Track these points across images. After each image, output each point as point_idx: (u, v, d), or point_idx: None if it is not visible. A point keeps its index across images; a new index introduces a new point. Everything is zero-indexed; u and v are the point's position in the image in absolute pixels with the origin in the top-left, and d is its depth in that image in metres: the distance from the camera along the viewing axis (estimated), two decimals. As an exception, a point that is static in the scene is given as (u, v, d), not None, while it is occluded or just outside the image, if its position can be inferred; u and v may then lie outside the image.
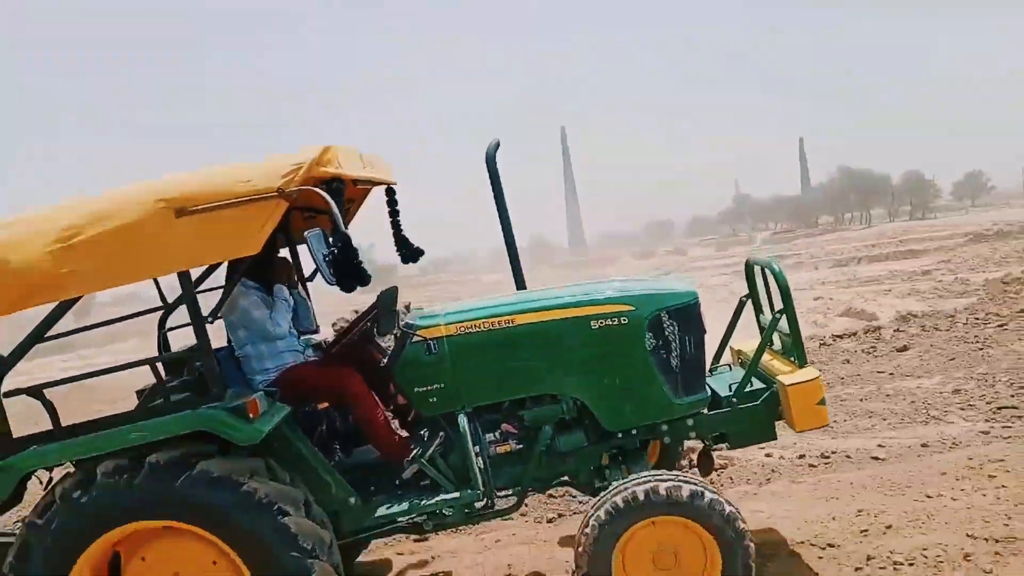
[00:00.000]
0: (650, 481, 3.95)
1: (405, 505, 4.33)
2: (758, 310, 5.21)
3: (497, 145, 5.13)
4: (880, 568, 4.54)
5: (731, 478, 6.46)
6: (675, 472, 4.14)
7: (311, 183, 3.63)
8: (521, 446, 4.55)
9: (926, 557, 4.55)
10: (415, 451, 4.36)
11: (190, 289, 3.80)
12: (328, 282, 3.61)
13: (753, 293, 5.19)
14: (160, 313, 4.70)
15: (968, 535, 4.72)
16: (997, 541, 4.61)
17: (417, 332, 4.37)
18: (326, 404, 4.70)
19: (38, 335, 3.79)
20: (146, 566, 3.86)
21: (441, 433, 4.48)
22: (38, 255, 3.58)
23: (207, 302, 4.51)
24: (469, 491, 4.29)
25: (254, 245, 3.62)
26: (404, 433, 4.52)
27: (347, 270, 3.57)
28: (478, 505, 4.48)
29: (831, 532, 5.03)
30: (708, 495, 3.91)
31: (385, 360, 4.59)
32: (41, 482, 4.04)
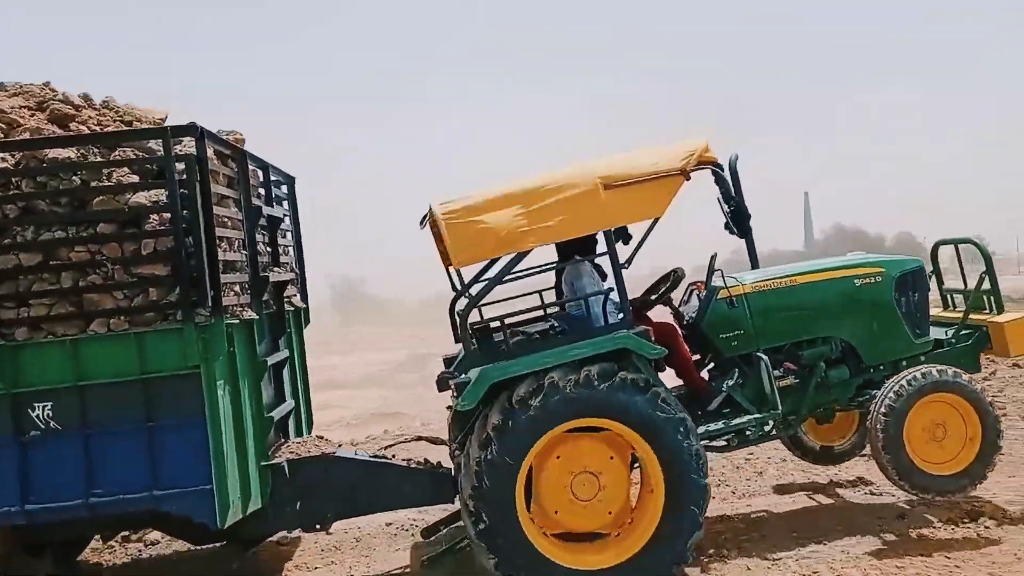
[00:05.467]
0: (922, 369, 5.52)
1: (721, 424, 5.70)
2: (940, 282, 6.70)
3: (737, 157, 6.46)
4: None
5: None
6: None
7: (701, 165, 5.19)
8: (797, 380, 5.95)
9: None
10: (725, 383, 5.79)
11: (612, 245, 5.25)
12: (731, 230, 5.14)
13: (936, 270, 6.67)
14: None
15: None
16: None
17: (725, 289, 5.79)
18: None
19: (498, 279, 5.24)
20: (561, 463, 5.11)
21: (737, 370, 5.90)
22: (507, 217, 5.07)
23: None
24: (771, 411, 5.67)
25: (661, 210, 5.17)
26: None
27: (741, 222, 5.14)
28: (767, 428, 5.86)
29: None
30: (965, 375, 5.48)
31: (689, 317, 6.04)
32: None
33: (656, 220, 5.29)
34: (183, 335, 4.57)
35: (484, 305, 6.24)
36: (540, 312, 6.22)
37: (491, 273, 5.73)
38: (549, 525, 5.16)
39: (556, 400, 4.92)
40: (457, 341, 6.43)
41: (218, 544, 5.91)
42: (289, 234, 6.70)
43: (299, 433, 6.56)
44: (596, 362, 5.04)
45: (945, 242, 6.71)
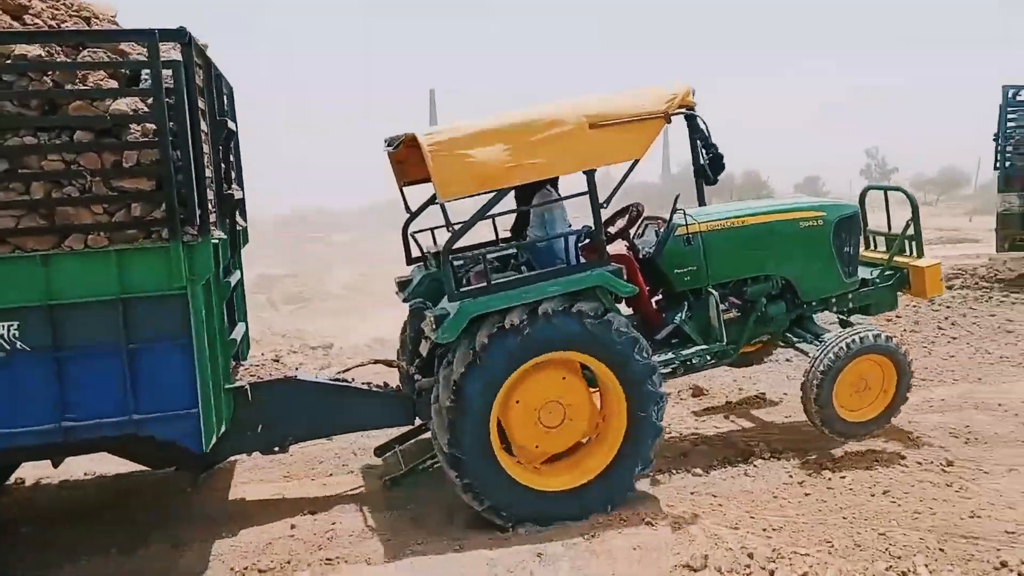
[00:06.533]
0: (859, 332, 5.99)
1: (671, 355, 6.03)
2: (864, 223, 7.21)
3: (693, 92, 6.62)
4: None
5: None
6: (864, 325, 6.14)
7: (682, 109, 5.31)
8: (740, 314, 6.37)
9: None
10: (675, 315, 6.10)
11: (593, 184, 5.28)
12: (707, 177, 5.32)
13: (863, 212, 7.18)
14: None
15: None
16: None
17: (683, 227, 6.04)
18: None
19: (480, 215, 5.21)
20: (522, 405, 5.23)
21: (687, 303, 6.23)
22: (494, 152, 4.98)
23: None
24: (716, 343, 6.05)
25: (641, 151, 5.25)
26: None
27: (716, 168, 5.32)
28: (710, 357, 6.23)
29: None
30: (894, 339, 6.04)
31: (645, 251, 6.28)
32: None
33: (636, 161, 5.34)
34: (170, 254, 4.33)
35: (433, 229, 6.28)
36: (491, 236, 6.34)
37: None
38: (537, 458, 5.36)
39: (541, 330, 5.04)
40: (409, 263, 6.46)
41: (170, 469, 5.74)
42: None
43: (242, 357, 6.41)
44: (569, 297, 5.15)
45: (874, 187, 7.26)
